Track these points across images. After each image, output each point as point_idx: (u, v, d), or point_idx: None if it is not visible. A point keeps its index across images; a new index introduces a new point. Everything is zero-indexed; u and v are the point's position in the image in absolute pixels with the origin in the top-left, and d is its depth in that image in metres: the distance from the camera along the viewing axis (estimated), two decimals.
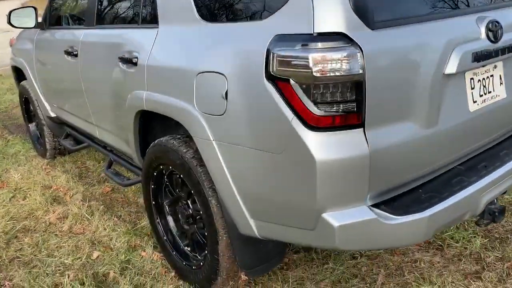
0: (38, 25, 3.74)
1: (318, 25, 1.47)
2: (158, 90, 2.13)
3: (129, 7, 2.62)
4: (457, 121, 1.82)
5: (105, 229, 3.02)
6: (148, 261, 2.63)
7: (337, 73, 1.45)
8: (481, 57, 1.79)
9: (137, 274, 2.51)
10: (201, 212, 2.14)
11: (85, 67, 2.95)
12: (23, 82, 4.37)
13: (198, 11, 1.98)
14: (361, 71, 1.47)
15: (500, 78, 2.01)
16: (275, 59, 1.55)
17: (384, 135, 1.59)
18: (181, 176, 2.20)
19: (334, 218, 1.57)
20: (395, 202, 1.72)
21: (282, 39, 1.55)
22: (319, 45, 1.45)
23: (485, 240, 2.63)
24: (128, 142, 2.72)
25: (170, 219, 2.55)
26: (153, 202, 2.55)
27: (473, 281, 2.31)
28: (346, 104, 1.50)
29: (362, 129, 1.54)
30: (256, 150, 1.69)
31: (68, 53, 3.14)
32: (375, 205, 1.67)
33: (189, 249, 2.46)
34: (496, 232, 2.72)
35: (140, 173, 2.89)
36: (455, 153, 1.91)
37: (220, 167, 1.86)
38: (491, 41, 1.83)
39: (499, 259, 2.48)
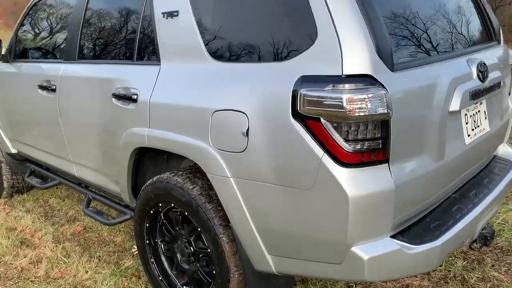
0: (1, 58, 3.57)
1: (347, 67, 1.56)
2: (165, 127, 2.11)
3: (120, 43, 2.58)
4: (457, 153, 1.97)
5: (86, 271, 2.86)
6: None
7: (367, 112, 1.54)
8: (475, 95, 1.97)
9: None
10: (208, 250, 2.11)
11: (65, 102, 2.85)
12: None
13: (208, 50, 2.01)
14: (387, 110, 1.57)
15: (485, 113, 2.21)
16: (303, 99, 1.61)
17: (405, 169, 1.70)
18: (186, 213, 2.16)
19: (363, 251, 1.63)
20: (409, 232, 1.82)
21: (309, 79, 1.62)
22: (351, 86, 1.54)
23: (464, 262, 2.81)
24: (116, 180, 2.63)
25: (165, 258, 2.48)
26: (147, 241, 2.47)
27: None
28: (374, 141, 1.59)
29: (387, 164, 1.63)
30: (281, 187, 1.73)
31: (43, 87, 3.02)
32: (393, 236, 1.75)
33: None
34: (472, 254, 2.91)
35: (125, 211, 2.81)
36: (453, 182, 2.06)
37: (237, 203, 1.87)
38: (481, 80, 2.02)
39: (481, 279, 2.65)
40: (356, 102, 1.53)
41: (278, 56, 1.75)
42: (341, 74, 1.57)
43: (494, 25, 2.52)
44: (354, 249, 1.64)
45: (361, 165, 1.59)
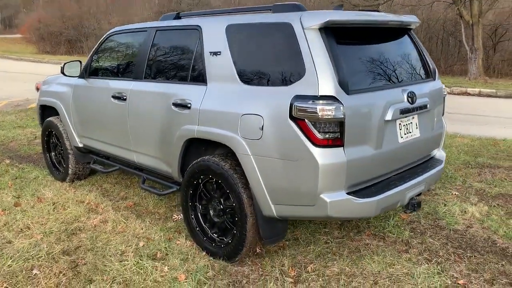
0: (79, 75, 4.83)
1: (321, 91, 2.77)
2: (209, 124, 3.31)
3: (178, 69, 3.80)
4: (392, 147, 3.15)
5: (142, 228, 4.03)
6: (184, 246, 3.68)
7: (331, 116, 2.74)
8: (404, 112, 3.17)
9: (179, 253, 3.56)
10: (234, 205, 3.27)
11: (133, 108, 4.07)
12: (51, 118, 5.34)
13: (239, 77, 3.22)
14: (343, 116, 2.76)
15: (416, 124, 3.39)
16: (295, 108, 2.81)
17: (353, 151, 2.88)
18: (219, 181, 3.34)
19: (327, 197, 2.81)
20: (359, 192, 2.98)
21: (300, 97, 2.82)
22: (322, 102, 2.74)
23: (412, 233, 3.95)
24: (169, 163, 3.82)
25: (200, 215, 3.65)
26: (190, 204, 3.65)
27: (404, 253, 3.59)
28: (335, 133, 2.78)
29: (342, 147, 2.82)
30: (281, 159, 2.91)
31: (115, 97, 4.25)
32: (347, 194, 2.92)
33: (215, 235, 3.55)
34: (418, 229, 4.06)
35: (172, 185, 3.99)
36: (391, 167, 3.24)
37: (254, 171, 3.05)
38: (410, 103, 3.22)
39: (420, 243, 3.79)
40: (323, 110, 2.73)
41: (282, 83, 2.96)
42: (317, 94, 2.77)
43: (430, 66, 3.72)
44: (322, 196, 2.81)
45: (327, 146, 2.78)
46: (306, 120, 2.78)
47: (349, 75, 2.91)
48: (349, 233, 3.95)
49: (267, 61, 3.12)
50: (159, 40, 4.03)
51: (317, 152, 2.77)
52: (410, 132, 3.33)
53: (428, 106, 3.43)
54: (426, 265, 3.40)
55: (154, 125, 3.87)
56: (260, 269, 3.37)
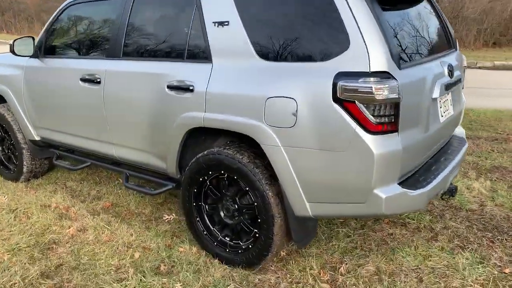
0: (32, 54, 3.99)
1: (373, 66, 2.29)
2: (222, 111, 2.73)
3: (169, 44, 3.12)
4: (435, 128, 2.78)
5: (131, 235, 3.41)
6: (190, 254, 3.12)
7: (386, 96, 2.28)
8: (447, 87, 2.79)
9: (188, 264, 3.00)
10: (255, 204, 2.76)
11: (111, 93, 3.37)
12: None
13: (256, 52, 2.67)
14: (398, 96, 2.32)
15: (450, 101, 3.04)
16: (341, 88, 2.32)
17: (406, 137, 2.46)
18: (235, 177, 2.81)
19: (382, 192, 2.38)
20: (406, 182, 2.59)
21: (345, 74, 2.33)
22: (376, 79, 2.28)
23: (431, 217, 3.67)
24: (162, 156, 3.21)
25: (207, 217, 3.10)
26: (194, 204, 3.08)
27: (434, 242, 3.29)
28: (390, 117, 2.34)
29: (397, 133, 2.38)
30: (322, 151, 2.43)
31: (86, 80, 3.51)
32: (398, 184, 2.51)
33: (227, 238, 3.03)
34: (435, 211, 3.78)
35: (166, 183, 3.38)
36: (433, 150, 2.87)
37: (285, 165, 2.55)
38: (450, 76, 2.84)
39: (444, 228, 3.51)
40: (380, 89, 2.27)
41: (318, 58, 2.45)
42: (368, 70, 2.30)
43: (452, 36, 3.37)
44: (376, 191, 2.38)
45: (382, 133, 2.34)
46: (356, 102, 2.31)
47: (398, 46, 2.47)
48: (366, 222, 3.59)
49: (294, 32, 2.58)
50: (139, 10, 3.33)
51: (371, 140, 2.32)
52: (447, 110, 2.97)
53: (461, 79, 3.09)
54: (463, 253, 3.12)
55: (141, 113, 3.21)
56: (288, 275, 2.91)
